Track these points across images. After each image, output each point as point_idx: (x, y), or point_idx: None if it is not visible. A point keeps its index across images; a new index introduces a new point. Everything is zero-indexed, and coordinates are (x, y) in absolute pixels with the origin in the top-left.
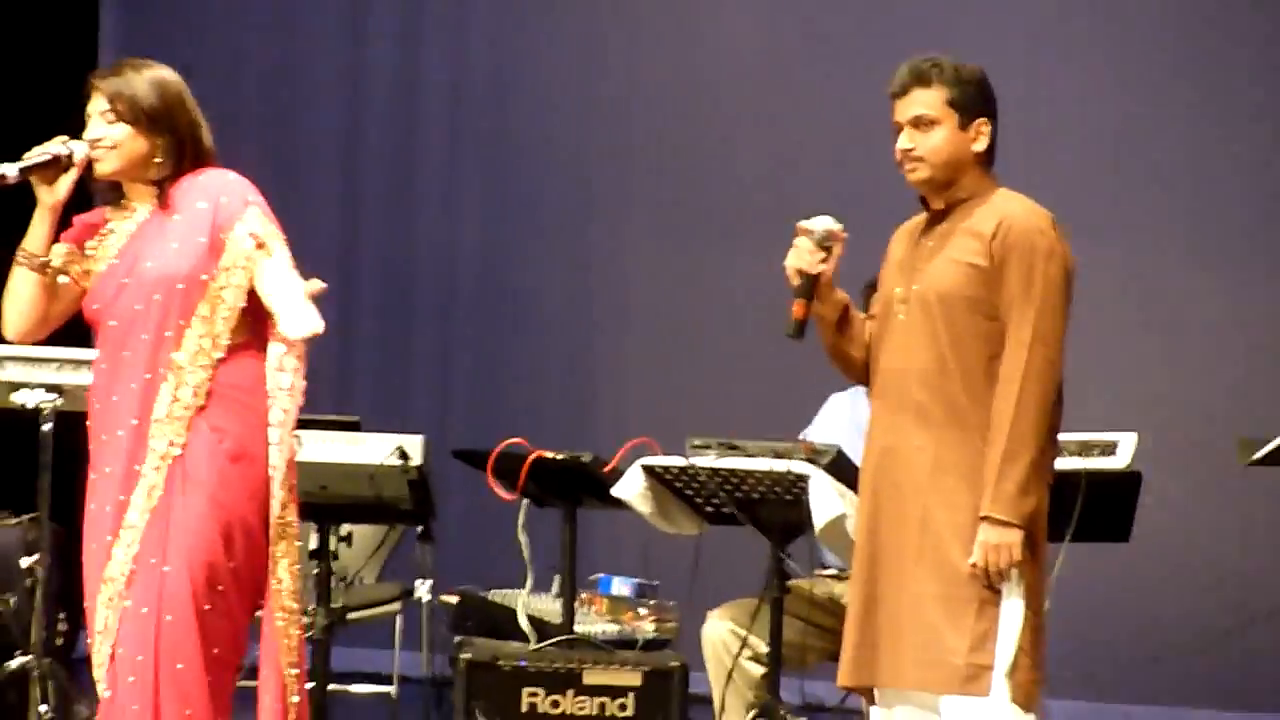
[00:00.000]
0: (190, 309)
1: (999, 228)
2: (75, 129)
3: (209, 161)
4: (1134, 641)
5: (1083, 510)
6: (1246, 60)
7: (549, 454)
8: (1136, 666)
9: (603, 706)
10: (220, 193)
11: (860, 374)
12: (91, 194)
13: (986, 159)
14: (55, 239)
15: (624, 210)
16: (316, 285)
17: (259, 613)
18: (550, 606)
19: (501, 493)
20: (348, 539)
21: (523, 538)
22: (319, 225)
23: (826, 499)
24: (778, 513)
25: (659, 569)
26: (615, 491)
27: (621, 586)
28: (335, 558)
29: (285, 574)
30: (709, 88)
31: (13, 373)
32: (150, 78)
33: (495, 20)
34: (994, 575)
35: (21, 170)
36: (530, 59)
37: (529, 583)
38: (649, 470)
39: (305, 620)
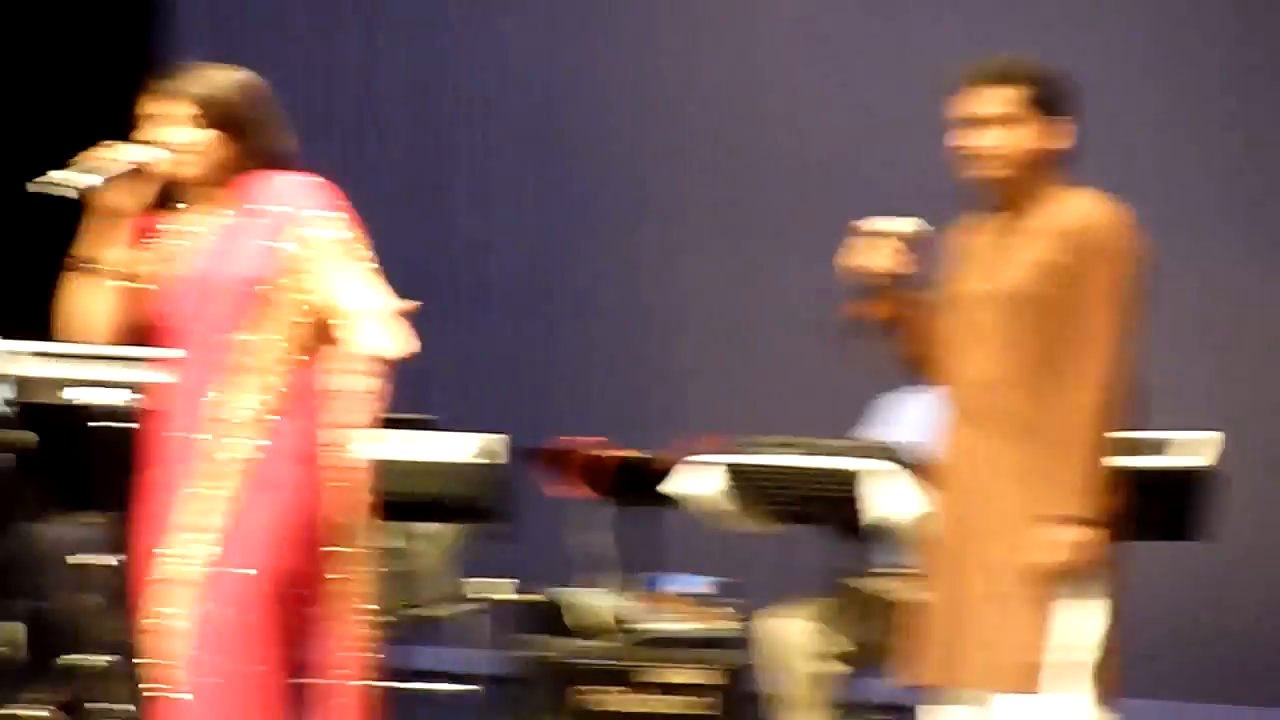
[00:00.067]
0: (263, 313)
1: (1074, 226)
2: (132, 128)
3: (288, 165)
4: (1205, 642)
5: (1158, 509)
6: None
7: (613, 452)
8: (1207, 667)
9: (667, 705)
10: (294, 197)
11: (929, 374)
12: (159, 199)
13: (1064, 158)
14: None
15: (677, 210)
16: (409, 304)
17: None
18: (617, 604)
19: (567, 492)
20: (422, 538)
21: (587, 536)
22: (389, 227)
23: (899, 497)
24: (843, 512)
25: (725, 567)
26: (674, 489)
27: (688, 584)
28: (408, 556)
29: (354, 575)
30: (763, 86)
31: (81, 371)
32: (235, 81)
33: (551, 20)
34: (1068, 575)
35: (108, 180)
36: (585, 59)
37: (598, 581)
38: (714, 468)
39: (378, 620)
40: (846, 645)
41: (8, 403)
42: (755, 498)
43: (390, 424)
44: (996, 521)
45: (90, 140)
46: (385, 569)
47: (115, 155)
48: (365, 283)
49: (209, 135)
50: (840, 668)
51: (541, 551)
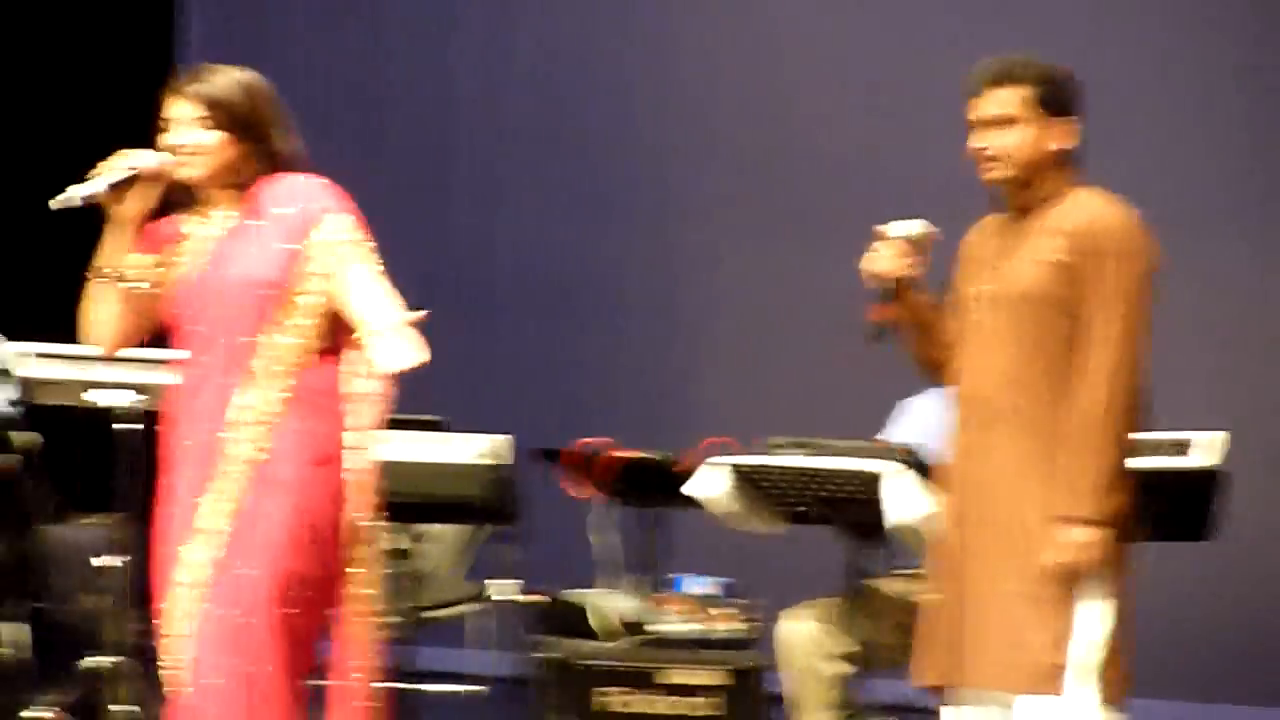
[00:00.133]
0: (273, 315)
1: (1083, 226)
2: (151, 133)
3: (295, 166)
4: (1213, 642)
5: (1165, 509)
6: None
7: (626, 453)
8: (1216, 666)
9: (681, 706)
10: (306, 199)
11: (944, 375)
12: (167, 202)
13: (1070, 158)
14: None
15: (705, 209)
16: (419, 314)
17: (339, 613)
18: (627, 605)
19: (580, 493)
20: (430, 539)
21: (598, 537)
22: (401, 227)
23: (909, 499)
24: (857, 512)
25: (738, 568)
26: (694, 490)
27: (700, 585)
28: (418, 557)
29: (363, 577)
30: (792, 85)
31: (93, 372)
32: (241, 82)
33: (578, 17)
34: (1078, 575)
35: (110, 187)
36: (613, 57)
37: (606, 582)
38: (727, 469)
39: (386, 620)
40: (860, 646)
41: (12, 403)
42: (773, 499)
43: (399, 425)
44: (1009, 522)
45: (95, 141)
46: (393, 570)
47: (119, 162)
48: (377, 286)
49: (218, 137)
50: (854, 669)
51: (552, 552)
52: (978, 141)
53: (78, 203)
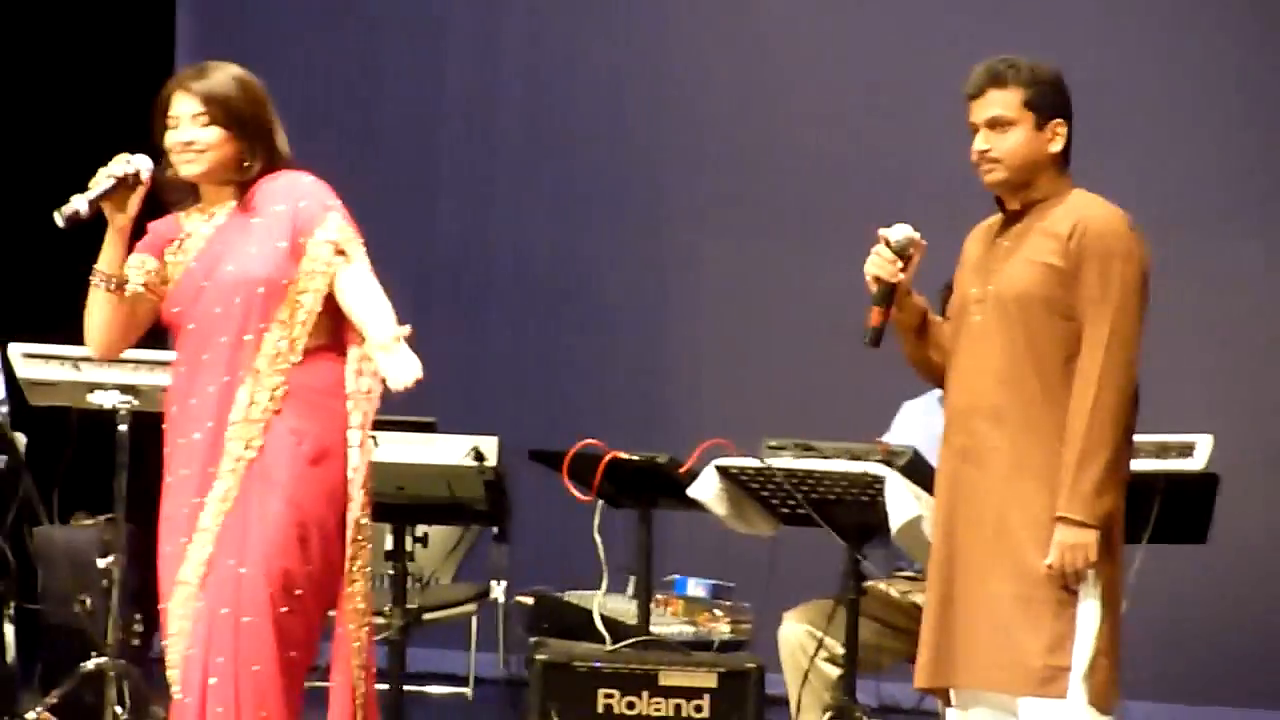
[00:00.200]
0: (270, 312)
1: (1076, 228)
2: (148, 133)
3: (286, 164)
4: (1212, 644)
5: (1159, 512)
6: None
7: (625, 455)
8: (1215, 669)
9: (678, 708)
10: (300, 197)
11: (940, 378)
12: (162, 201)
13: (1062, 160)
14: (129, 250)
15: (698, 211)
16: (404, 330)
17: (332, 614)
18: (625, 607)
19: (577, 494)
20: (423, 540)
21: (598, 539)
22: (392, 226)
23: (903, 501)
24: (853, 514)
25: (735, 570)
26: (691, 492)
27: (697, 587)
28: (411, 559)
29: (358, 576)
30: (785, 88)
31: (89, 374)
32: (238, 79)
33: (569, 22)
34: (1070, 576)
35: (92, 202)
36: (604, 60)
37: (604, 584)
38: (724, 471)
39: (380, 621)
40: (860, 648)
41: None
42: (770, 502)
43: (388, 426)
44: (1000, 523)
45: (93, 140)
46: (383, 570)
47: (116, 167)
48: (375, 290)
49: (218, 133)
50: (854, 670)
51: (548, 554)
52: (977, 144)
53: (84, 214)
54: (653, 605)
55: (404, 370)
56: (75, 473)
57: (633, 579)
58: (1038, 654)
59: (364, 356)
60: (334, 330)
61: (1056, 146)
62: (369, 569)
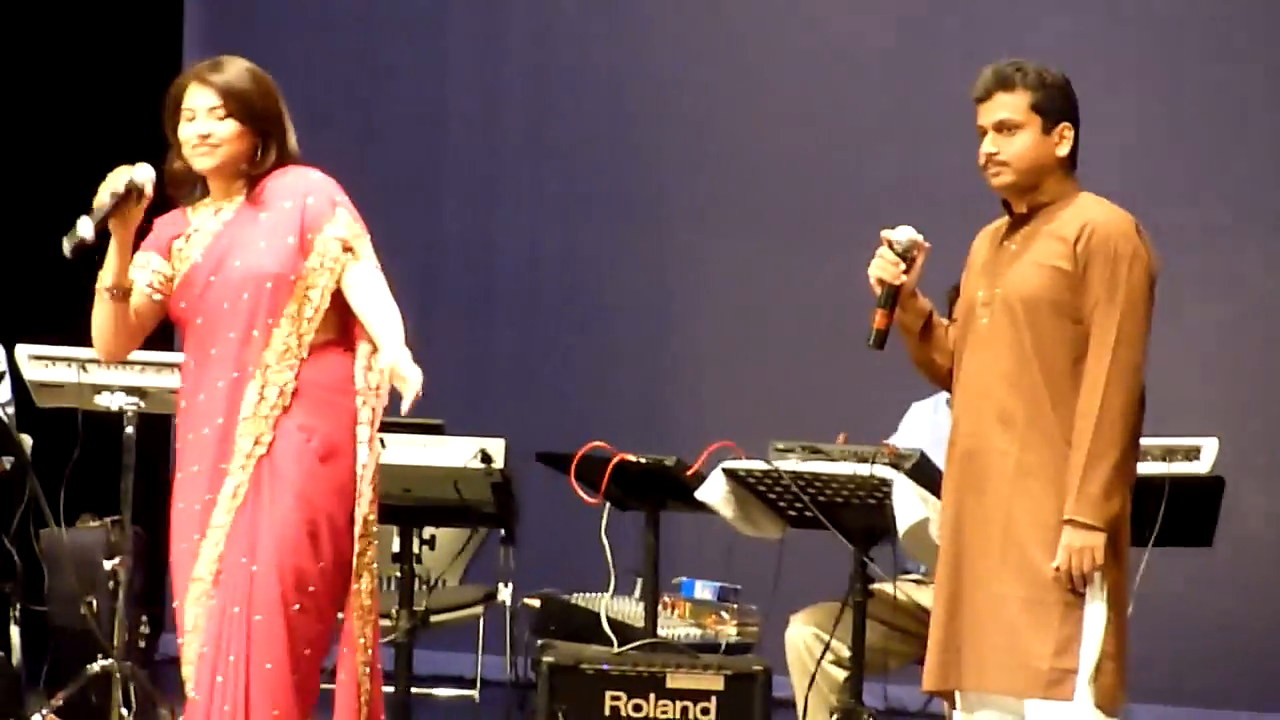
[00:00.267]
0: (279, 308)
1: (1083, 231)
2: (157, 124)
3: (294, 160)
4: (1218, 647)
5: (1165, 515)
6: None
7: (632, 457)
8: (1220, 672)
9: (685, 710)
10: (307, 192)
11: (945, 380)
12: (167, 196)
13: (1069, 163)
14: (135, 247)
15: (702, 213)
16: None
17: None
18: (632, 610)
19: (584, 496)
20: (430, 542)
21: (605, 541)
22: (397, 228)
23: (909, 503)
24: (860, 517)
25: (742, 573)
26: (699, 495)
27: (704, 590)
28: (418, 561)
29: (365, 573)
30: (789, 91)
31: (96, 376)
32: (253, 73)
33: (577, 24)
34: (1077, 579)
35: (97, 225)
36: (608, 62)
37: (611, 586)
38: (731, 474)
39: (387, 623)
40: (866, 650)
41: (3, 405)
42: (777, 504)
43: (395, 428)
44: (1006, 525)
45: (97, 141)
46: (390, 572)
47: (118, 180)
48: (383, 291)
49: (234, 127)
50: (861, 673)
51: (555, 556)
52: (985, 147)
53: (90, 240)
54: (660, 608)
55: (411, 381)
56: (81, 474)
57: (640, 581)
58: (1044, 656)
59: (373, 353)
60: (342, 326)
61: (1063, 150)
62: (376, 566)
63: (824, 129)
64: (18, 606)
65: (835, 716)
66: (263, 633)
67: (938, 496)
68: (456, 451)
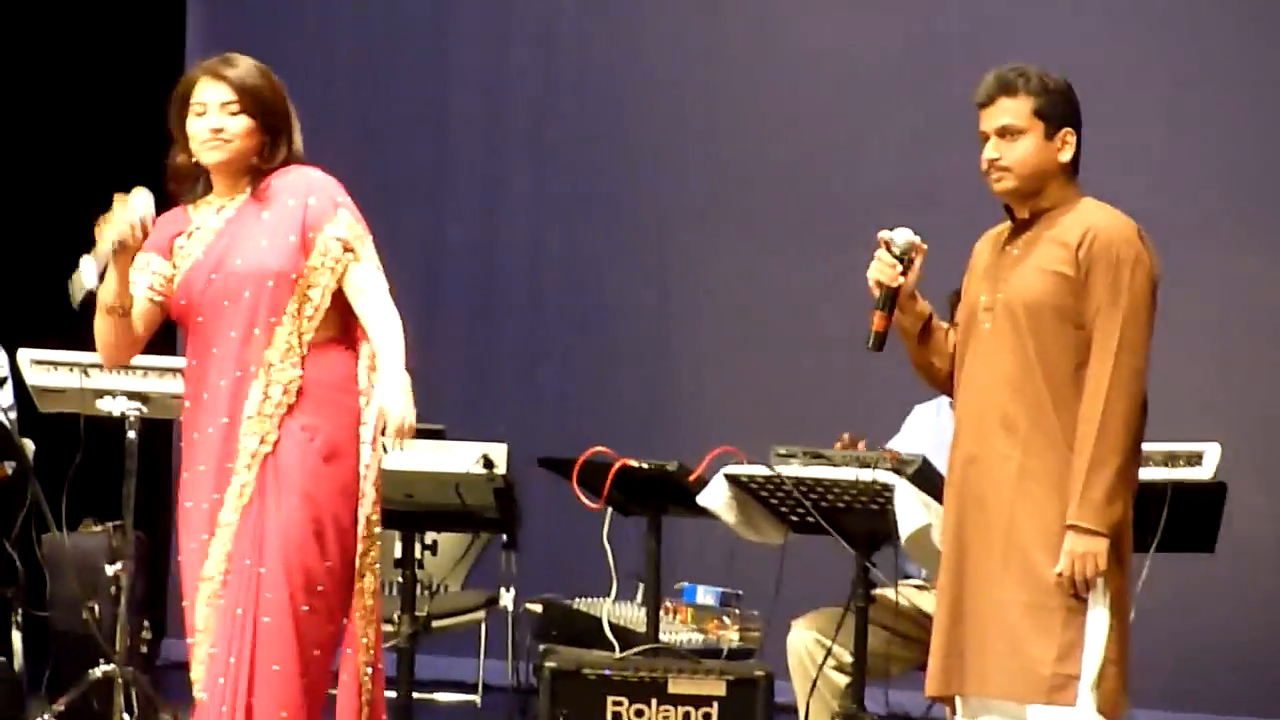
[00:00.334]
0: (281, 306)
1: (1085, 236)
2: (161, 127)
3: (299, 160)
4: (1220, 653)
5: (1168, 521)
6: None
7: (634, 463)
8: (1222, 678)
9: (687, 716)
10: (309, 192)
11: (944, 384)
12: (169, 192)
13: (1071, 168)
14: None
15: (705, 217)
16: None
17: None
18: (635, 615)
19: (587, 501)
20: (432, 547)
21: (607, 546)
22: (400, 232)
23: (912, 509)
24: (862, 522)
25: (744, 578)
26: (700, 500)
27: (706, 595)
28: (420, 566)
29: (368, 573)
30: (792, 96)
31: (98, 381)
32: (263, 71)
33: (583, 26)
34: (1080, 584)
35: (101, 272)
36: (615, 67)
37: (613, 591)
38: (733, 479)
39: (389, 629)
40: (868, 656)
41: (5, 410)
42: (782, 509)
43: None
44: (1009, 530)
45: (86, 137)
46: (393, 578)
47: (117, 233)
48: (381, 299)
49: (246, 123)
50: (862, 678)
51: (556, 561)
52: (988, 152)
53: (96, 287)
54: (662, 613)
55: (401, 421)
56: (83, 479)
57: (642, 586)
58: (1047, 662)
59: (375, 353)
60: (343, 325)
61: (1066, 155)
62: (378, 567)
63: (827, 131)
64: (19, 611)
65: None
66: (271, 634)
67: (940, 502)
68: (459, 457)
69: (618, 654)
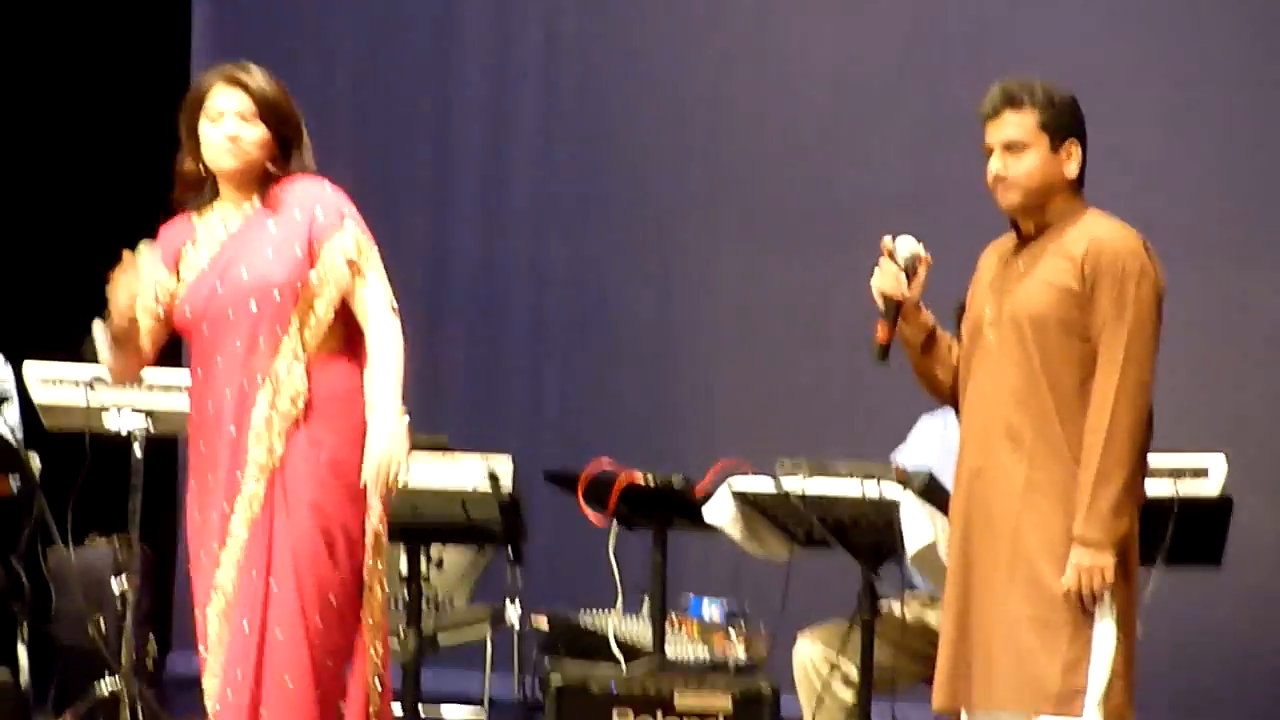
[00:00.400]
0: (286, 318)
1: (1090, 249)
2: (167, 138)
3: (307, 171)
4: (1226, 666)
5: (1174, 534)
6: None
7: (640, 478)
8: (1229, 691)
9: None
10: (316, 203)
11: (946, 396)
12: (173, 200)
13: (1077, 181)
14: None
15: (711, 228)
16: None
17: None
18: (640, 629)
19: (592, 516)
20: (439, 562)
21: (613, 560)
22: (404, 244)
23: (918, 524)
24: (868, 536)
25: (750, 591)
26: (706, 515)
27: (712, 609)
28: (426, 580)
29: (376, 585)
30: (800, 103)
31: (104, 396)
32: (276, 81)
33: (586, 34)
34: (1086, 597)
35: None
36: (620, 76)
37: (619, 605)
38: (738, 494)
39: (395, 643)
40: (874, 670)
41: (12, 427)
42: (787, 523)
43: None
44: (1015, 543)
45: (90, 149)
46: (398, 592)
47: (116, 301)
48: (382, 317)
49: (262, 132)
50: (867, 692)
51: (562, 575)
52: (993, 166)
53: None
54: (667, 627)
55: (387, 473)
56: (89, 493)
57: (647, 600)
58: (1054, 675)
59: (369, 388)
60: (348, 337)
61: (1071, 168)
62: (385, 579)
63: (834, 142)
64: (25, 626)
65: None
66: (283, 648)
67: (946, 516)
68: (464, 472)
69: (623, 668)
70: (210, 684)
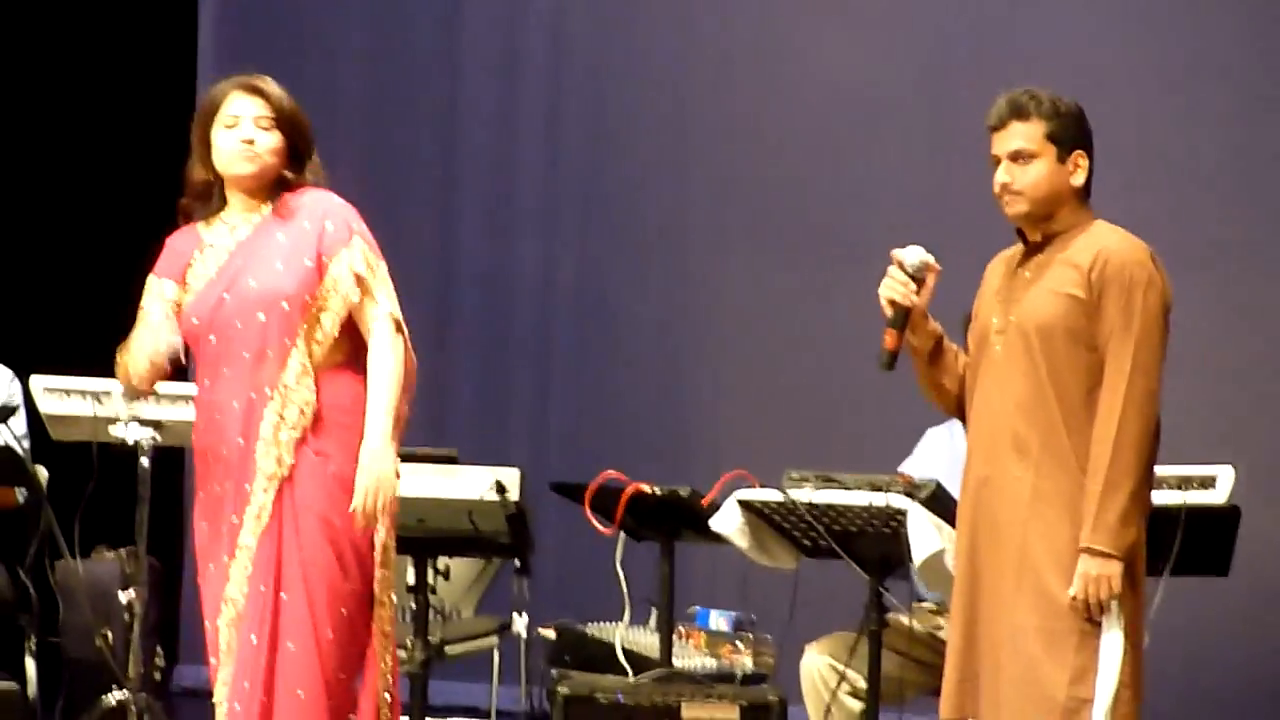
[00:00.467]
0: (294, 329)
1: (1097, 259)
2: (173, 148)
3: (315, 181)
4: (1234, 676)
5: (1181, 544)
6: None
7: (647, 488)
8: (1236, 702)
9: None
10: (326, 216)
11: (952, 406)
12: (180, 210)
13: (1084, 191)
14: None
15: (720, 240)
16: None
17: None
18: (648, 640)
19: (600, 527)
20: (445, 573)
21: (620, 571)
22: (413, 255)
23: (925, 534)
24: (876, 547)
25: (757, 602)
26: (713, 526)
27: (719, 620)
28: (433, 591)
29: (385, 597)
30: (809, 114)
31: (111, 408)
32: (291, 94)
33: (593, 45)
34: (1094, 607)
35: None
36: (627, 85)
37: (626, 616)
38: (746, 505)
39: (402, 654)
40: (881, 680)
41: (19, 438)
42: (794, 534)
43: (409, 459)
44: (1022, 554)
45: (96, 157)
46: (405, 604)
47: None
48: (384, 343)
49: (277, 139)
50: (875, 703)
51: (568, 586)
52: (1000, 176)
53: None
54: (675, 638)
55: (372, 505)
56: (97, 506)
57: (655, 611)
58: (1061, 685)
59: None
60: (353, 350)
61: (1078, 179)
62: (393, 593)
63: (841, 154)
64: (33, 638)
65: None
66: (294, 661)
67: (954, 526)
68: (471, 482)
69: (631, 679)
70: (221, 694)
